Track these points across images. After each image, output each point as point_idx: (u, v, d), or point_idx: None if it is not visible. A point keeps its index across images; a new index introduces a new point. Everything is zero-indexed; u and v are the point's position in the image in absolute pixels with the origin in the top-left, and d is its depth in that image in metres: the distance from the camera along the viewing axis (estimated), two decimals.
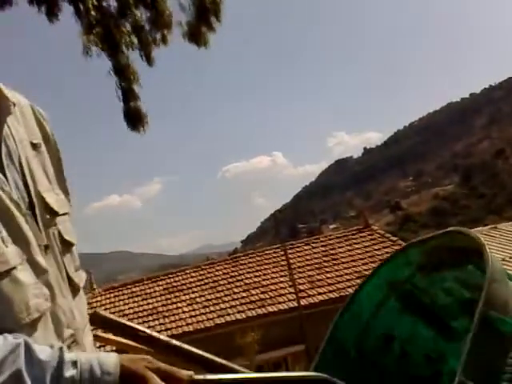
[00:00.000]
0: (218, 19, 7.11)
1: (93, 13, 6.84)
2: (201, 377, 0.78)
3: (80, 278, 1.04)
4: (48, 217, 0.95)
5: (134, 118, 7.20)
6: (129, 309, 12.80)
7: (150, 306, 12.80)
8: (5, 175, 0.87)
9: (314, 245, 14.24)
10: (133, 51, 7.16)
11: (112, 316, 1.10)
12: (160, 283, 13.80)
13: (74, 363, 0.75)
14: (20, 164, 0.92)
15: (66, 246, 1.00)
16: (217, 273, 13.76)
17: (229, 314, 11.72)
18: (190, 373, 0.80)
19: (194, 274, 13.96)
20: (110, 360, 0.77)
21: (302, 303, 11.43)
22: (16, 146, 0.92)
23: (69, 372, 0.74)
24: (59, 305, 0.93)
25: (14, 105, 0.96)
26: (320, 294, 11.84)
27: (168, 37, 7.25)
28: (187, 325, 11.68)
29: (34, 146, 0.98)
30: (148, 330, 1.08)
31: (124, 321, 1.08)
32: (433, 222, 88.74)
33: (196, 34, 7.17)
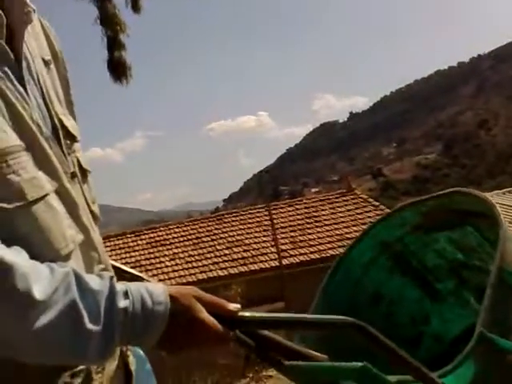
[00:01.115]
0: None
1: None
2: (247, 313, 0.78)
3: (97, 210, 0.96)
4: (68, 142, 0.87)
5: (118, 69, 7.09)
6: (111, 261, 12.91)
7: (133, 260, 12.91)
8: (26, 92, 0.78)
9: (297, 206, 14.39)
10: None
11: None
12: (143, 237, 13.87)
13: (126, 293, 0.71)
14: (39, 82, 0.83)
15: (84, 174, 0.93)
16: (200, 229, 13.86)
17: (211, 270, 11.90)
18: (238, 306, 0.78)
19: (177, 230, 14.05)
20: (159, 289, 0.74)
21: (283, 263, 11.65)
22: (34, 60, 0.83)
23: (122, 302, 0.70)
24: (91, 238, 0.86)
25: (35, 11, 0.85)
26: (301, 254, 12.07)
27: None
28: (169, 279, 11.85)
29: (45, 64, 0.88)
30: (132, 271, 1.03)
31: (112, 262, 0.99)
32: (413, 189, 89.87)
33: None
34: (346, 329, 0.78)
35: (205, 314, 0.75)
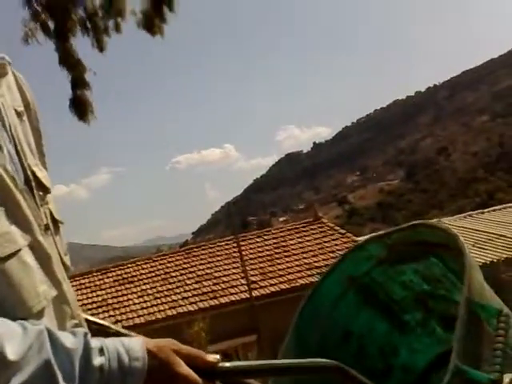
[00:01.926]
0: (171, 9, 7.11)
1: None
2: (227, 364, 0.75)
3: (69, 261, 0.94)
4: (41, 194, 0.86)
5: (80, 107, 7.09)
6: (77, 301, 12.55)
7: (100, 298, 12.59)
8: (0, 147, 0.77)
9: (265, 237, 14.42)
10: (84, 38, 7.04)
11: None
12: (110, 275, 13.58)
13: (101, 350, 0.68)
14: (12, 134, 0.82)
15: (57, 226, 0.91)
16: (168, 264, 13.69)
17: (180, 306, 11.71)
18: (217, 357, 0.75)
19: (145, 266, 13.82)
20: (136, 345, 0.70)
21: (253, 294, 11.58)
22: (6, 112, 0.82)
23: (97, 360, 0.67)
24: (63, 292, 0.84)
25: (10, 63, 0.86)
26: (272, 285, 12.03)
27: (121, 25, 7.17)
28: (138, 317, 11.58)
29: (18, 115, 0.88)
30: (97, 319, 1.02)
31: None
32: (378, 215, 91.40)
33: (150, 24, 7.14)
34: (327, 371, 0.78)
35: (184, 368, 0.72)
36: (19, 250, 0.74)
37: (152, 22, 7.12)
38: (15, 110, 0.87)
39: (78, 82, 7.05)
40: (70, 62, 6.98)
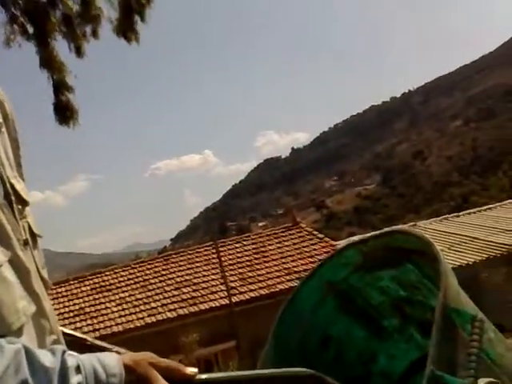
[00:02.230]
0: (142, 19, 7.14)
1: (20, 2, 6.59)
2: (204, 375, 0.75)
3: (47, 275, 0.93)
4: (20, 207, 0.85)
5: (65, 112, 7.01)
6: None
7: (77, 307, 12.40)
8: None
9: (244, 242, 14.42)
10: (63, 41, 6.98)
11: None
12: (87, 283, 13.39)
13: (78, 368, 0.68)
14: None
15: (35, 240, 0.90)
16: (147, 271, 13.57)
17: (160, 313, 11.61)
18: (195, 370, 0.74)
19: (123, 273, 13.67)
20: (112, 360, 0.70)
21: (233, 300, 11.56)
22: None
23: (74, 378, 0.66)
24: (42, 307, 0.83)
25: None
26: (251, 290, 12.03)
27: (99, 31, 7.14)
28: (117, 325, 11.44)
29: None
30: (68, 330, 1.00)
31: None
32: (356, 219, 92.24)
33: (126, 30, 7.14)
34: (305, 381, 0.79)
35: (161, 382, 0.71)
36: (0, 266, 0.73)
37: (126, 29, 7.12)
38: None
39: (61, 86, 6.98)
40: (51, 64, 6.90)
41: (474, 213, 16.70)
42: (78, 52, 7.03)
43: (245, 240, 14.66)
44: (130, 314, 11.80)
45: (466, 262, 12.38)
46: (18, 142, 0.95)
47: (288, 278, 12.25)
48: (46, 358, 0.67)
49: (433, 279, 1.22)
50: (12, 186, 0.84)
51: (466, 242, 13.59)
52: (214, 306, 11.69)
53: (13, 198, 0.83)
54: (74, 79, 7.09)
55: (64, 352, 0.70)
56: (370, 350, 1.30)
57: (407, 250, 1.29)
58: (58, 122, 6.98)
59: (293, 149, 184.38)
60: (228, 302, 11.57)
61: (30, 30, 6.73)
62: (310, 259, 12.93)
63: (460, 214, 16.97)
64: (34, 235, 0.90)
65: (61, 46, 6.95)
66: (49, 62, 6.87)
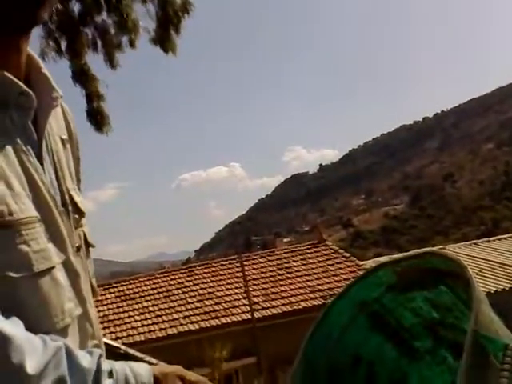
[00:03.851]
0: (177, 32, 7.25)
1: (55, 17, 6.80)
2: None
3: (95, 284, 0.98)
4: (76, 216, 0.91)
5: (98, 118, 7.18)
6: None
7: (101, 314, 12.53)
8: (43, 169, 0.83)
9: (269, 258, 14.37)
10: (97, 54, 7.17)
11: None
12: (112, 291, 13.55)
13: (111, 373, 0.72)
14: (53, 159, 0.88)
15: (88, 249, 0.96)
16: (171, 282, 13.65)
17: (181, 325, 11.64)
18: None
19: (147, 283, 13.79)
20: (143, 370, 0.75)
21: (255, 316, 11.50)
22: (51, 140, 0.89)
23: (106, 382, 0.71)
24: (88, 312, 0.88)
25: (61, 96, 0.91)
26: (274, 307, 11.95)
27: (136, 41, 7.30)
28: (139, 334, 11.52)
29: (62, 142, 0.94)
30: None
31: None
32: (382, 239, 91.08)
33: (163, 40, 7.27)
34: None
35: None
36: (53, 267, 0.78)
37: (163, 40, 7.25)
38: (60, 138, 0.93)
39: (94, 96, 7.16)
40: (83, 78, 7.09)
41: (505, 239, 16.29)
42: (112, 63, 7.20)
43: (269, 255, 14.62)
44: (153, 323, 11.86)
45: (495, 288, 12.07)
46: (79, 159, 1.03)
47: (312, 295, 12.14)
48: (84, 358, 0.72)
49: (466, 302, 1.20)
50: (71, 197, 0.90)
51: (495, 269, 13.25)
52: (235, 320, 11.65)
53: (70, 207, 0.88)
54: (105, 88, 7.27)
55: (100, 356, 0.74)
56: (401, 370, 1.28)
57: (440, 272, 1.28)
58: (93, 128, 7.15)
59: (321, 165, 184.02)
60: (250, 316, 11.52)
61: (64, 44, 6.95)
62: (334, 278, 12.79)
63: (490, 239, 16.58)
64: (87, 244, 0.95)
65: (95, 57, 7.15)
66: (81, 75, 7.07)
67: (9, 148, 0.77)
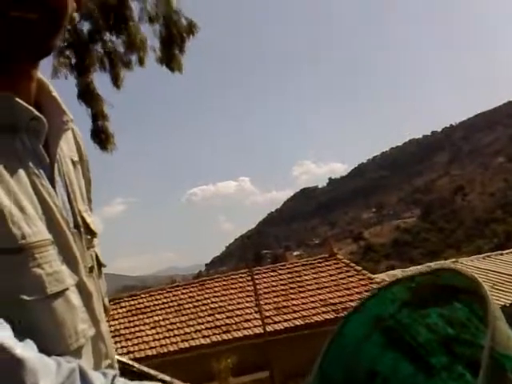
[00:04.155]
0: (181, 51, 7.39)
1: (66, 35, 6.95)
2: None
3: (108, 303, 1.00)
4: (89, 237, 0.92)
5: (102, 137, 7.29)
6: None
7: (112, 329, 12.55)
8: (55, 192, 0.84)
9: (280, 271, 14.35)
10: (104, 73, 7.31)
11: None
12: (123, 305, 13.58)
13: None
14: (65, 182, 0.90)
15: (100, 269, 0.96)
16: (182, 296, 13.65)
17: (193, 339, 11.62)
18: None
19: (158, 297, 13.81)
20: None
21: (267, 329, 11.46)
22: (62, 162, 0.90)
23: None
24: (101, 332, 0.88)
25: (72, 120, 0.93)
26: (286, 320, 11.90)
27: (144, 59, 7.44)
28: (150, 348, 11.51)
29: (73, 164, 0.95)
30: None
31: None
32: (394, 252, 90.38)
33: (169, 59, 7.41)
34: None
35: None
36: (66, 289, 0.79)
37: (171, 58, 7.39)
38: (71, 160, 0.95)
39: (98, 115, 7.29)
40: (88, 97, 7.24)
41: None
42: (117, 84, 7.34)
43: (280, 269, 14.59)
44: (164, 337, 11.86)
45: (509, 301, 11.94)
46: (90, 180, 1.05)
47: (324, 309, 12.09)
48: (98, 380, 0.71)
49: (482, 318, 1.22)
50: (83, 218, 0.91)
51: (509, 282, 13.11)
52: (247, 334, 11.62)
53: (82, 229, 0.90)
54: (110, 107, 7.40)
55: (114, 377, 0.74)
56: None
57: (455, 288, 1.30)
58: (98, 147, 7.25)
59: (330, 179, 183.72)
60: (262, 331, 11.48)
61: (73, 62, 7.09)
62: (346, 291, 12.73)
63: (504, 252, 16.42)
64: (99, 265, 0.96)
65: (101, 77, 7.30)
66: (86, 94, 7.21)
67: (21, 172, 0.78)
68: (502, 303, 11.62)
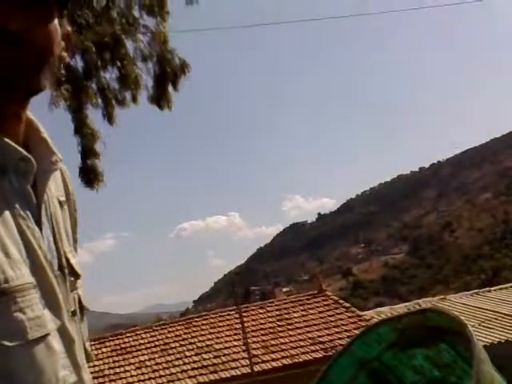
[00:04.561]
0: (175, 88, 7.51)
1: (62, 71, 7.02)
2: None
3: (89, 347, 0.97)
4: (72, 279, 0.90)
5: (89, 176, 7.26)
6: None
7: (96, 369, 12.20)
8: (42, 233, 0.83)
9: (268, 308, 14.17)
10: (97, 109, 7.36)
11: None
12: (108, 344, 13.24)
13: None
14: (52, 223, 0.88)
15: (82, 312, 0.94)
16: (168, 334, 13.37)
17: (179, 379, 11.32)
18: None
19: (144, 336, 13.50)
20: None
21: (255, 369, 11.22)
22: (49, 203, 0.89)
23: None
24: (83, 379, 0.85)
25: (61, 160, 0.92)
26: (274, 359, 11.67)
27: (138, 97, 7.53)
28: None
29: (60, 204, 0.94)
30: None
31: None
32: (383, 289, 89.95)
33: (159, 97, 7.51)
34: None
35: None
36: (48, 334, 0.77)
37: (161, 96, 7.49)
38: (58, 200, 0.93)
39: (88, 152, 7.27)
40: (83, 131, 7.24)
41: (506, 288, 16.13)
42: (110, 120, 7.39)
43: (269, 306, 14.41)
44: (149, 378, 11.54)
45: (497, 339, 11.85)
46: (76, 219, 1.03)
47: (312, 348, 11.89)
48: None
49: (467, 359, 1.21)
50: (67, 259, 0.90)
51: (497, 319, 13.06)
52: (235, 374, 11.35)
53: (66, 270, 0.88)
54: (103, 145, 7.41)
55: None
56: None
57: (440, 329, 1.29)
58: (84, 184, 7.21)
59: (319, 214, 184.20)
60: (250, 370, 11.24)
61: (69, 97, 7.14)
62: (335, 329, 12.57)
63: (492, 288, 16.42)
64: (82, 308, 0.94)
65: (95, 113, 7.34)
66: (80, 128, 7.23)
67: (7, 214, 0.77)
68: (490, 341, 11.53)
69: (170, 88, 7.49)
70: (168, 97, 7.51)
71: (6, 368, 0.71)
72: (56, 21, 0.84)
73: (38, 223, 0.83)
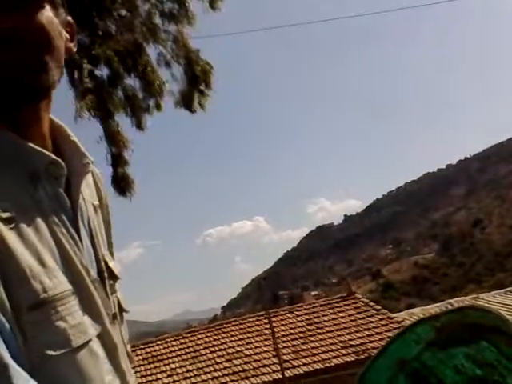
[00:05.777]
0: (208, 87, 7.47)
1: (86, 80, 7.08)
2: None
3: (130, 350, 0.97)
4: (111, 282, 0.90)
5: (122, 184, 7.29)
6: None
7: None
8: (80, 239, 0.82)
9: (297, 313, 14.04)
10: (125, 117, 7.38)
11: None
12: (139, 352, 13.32)
13: None
14: (89, 227, 0.88)
15: (122, 315, 0.94)
16: (198, 341, 13.37)
17: None
18: None
19: (174, 343, 13.54)
20: None
21: (286, 375, 11.11)
22: (84, 206, 0.88)
23: None
24: (127, 382, 0.86)
25: (92, 162, 0.92)
26: (305, 364, 11.54)
27: (161, 104, 7.52)
28: None
29: (94, 209, 0.93)
30: None
31: None
32: (414, 289, 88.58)
33: (189, 101, 7.47)
34: None
35: None
36: (90, 340, 0.77)
37: (191, 100, 7.44)
38: (92, 204, 0.92)
39: (118, 160, 7.31)
40: (114, 139, 7.27)
41: None
42: (139, 126, 7.41)
43: (298, 310, 14.29)
44: None
45: None
46: (110, 223, 1.02)
47: (344, 351, 11.72)
48: None
49: (510, 357, 1.15)
50: (105, 263, 0.90)
51: None
52: (266, 380, 11.26)
53: (106, 274, 0.88)
54: (131, 152, 7.42)
55: None
56: None
57: (482, 327, 1.23)
58: (117, 193, 7.24)
59: (346, 216, 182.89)
60: (280, 376, 11.13)
61: (97, 106, 7.18)
62: (366, 332, 12.37)
63: None
64: (121, 310, 0.94)
65: (122, 120, 7.36)
66: (112, 136, 7.25)
67: (40, 222, 0.76)
68: None
69: (202, 88, 7.44)
70: (200, 98, 7.47)
71: (52, 376, 0.71)
72: (49, 12, 0.80)
73: (75, 228, 0.82)
